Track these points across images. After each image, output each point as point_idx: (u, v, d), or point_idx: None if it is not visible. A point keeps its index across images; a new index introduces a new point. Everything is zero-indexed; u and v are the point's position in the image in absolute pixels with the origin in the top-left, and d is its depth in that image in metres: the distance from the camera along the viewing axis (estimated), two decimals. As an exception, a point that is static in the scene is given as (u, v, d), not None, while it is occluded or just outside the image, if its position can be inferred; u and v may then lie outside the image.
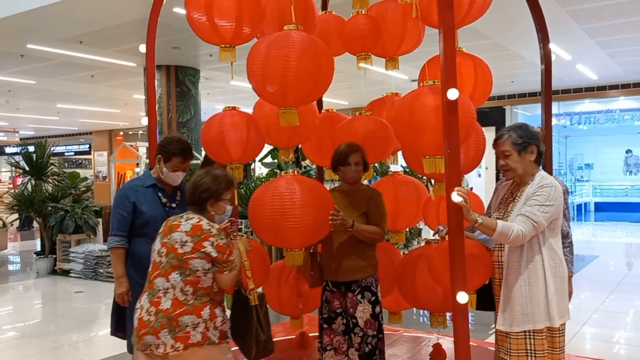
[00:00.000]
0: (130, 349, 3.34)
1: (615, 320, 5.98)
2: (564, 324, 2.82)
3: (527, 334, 2.73)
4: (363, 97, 15.52)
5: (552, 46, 3.87)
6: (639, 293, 7.47)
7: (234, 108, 3.67)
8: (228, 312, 2.94)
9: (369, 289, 3.38)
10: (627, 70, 12.77)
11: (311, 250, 3.51)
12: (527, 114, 16.62)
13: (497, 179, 15.61)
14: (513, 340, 2.76)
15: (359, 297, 3.36)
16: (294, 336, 4.58)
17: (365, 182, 4.54)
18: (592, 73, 12.95)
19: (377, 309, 3.40)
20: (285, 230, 3.17)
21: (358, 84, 13.70)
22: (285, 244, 3.32)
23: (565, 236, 3.30)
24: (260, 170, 12.11)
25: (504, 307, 2.78)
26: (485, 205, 3.80)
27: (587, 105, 16.52)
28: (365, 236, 3.32)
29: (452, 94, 2.53)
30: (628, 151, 17.98)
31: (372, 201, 3.45)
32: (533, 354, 2.72)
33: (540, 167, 2.91)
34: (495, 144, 2.91)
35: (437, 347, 4.02)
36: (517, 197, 2.86)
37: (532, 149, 2.83)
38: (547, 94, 3.76)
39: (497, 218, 2.85)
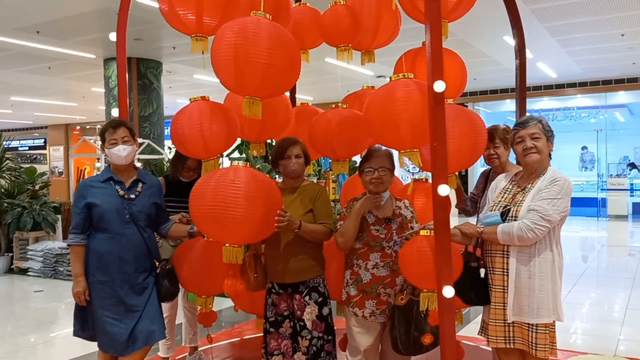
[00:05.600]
0: (102, 347, 3.19)
1: (572, 311, 6.12)
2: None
3: (529, 326, 2.73)
4: (327, 93, 15.58)
5: (514, 43, 3.90)
6: (594, 285, 7.74)
7: (203, 98, 3.39)
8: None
9: (316, 289, 3.24)
10: (585, 69, 13.14)
11: (254, 252, 3.32)
12: (488, 111, 16.93)
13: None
14: (517, 329, 2.76)
15: (306, 298, 3.21)
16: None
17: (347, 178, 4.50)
18: (552, 71, 13.27)
19: (325, 310, 3.26)
20: (227, 221, 2.88)
21: (323, 79, 13.67)
22: (225, 236, 3.01)
23: None
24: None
25: (512, 298, 2.75)
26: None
27: (545, 102, 16.94)
28: (312, 236, 3.15)
29: (439, 86, 2.51)
30: (584, 148, 18.49)
31: (319, 198, 3.29)
32: (534, 347, 2.71)
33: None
34: (523, 127, 2.86)
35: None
36: (527, 189, 2.83)
37: (553, 141, 2.88)
38: (521, 89, 3.78)
39: (502, 206, 2.84)
